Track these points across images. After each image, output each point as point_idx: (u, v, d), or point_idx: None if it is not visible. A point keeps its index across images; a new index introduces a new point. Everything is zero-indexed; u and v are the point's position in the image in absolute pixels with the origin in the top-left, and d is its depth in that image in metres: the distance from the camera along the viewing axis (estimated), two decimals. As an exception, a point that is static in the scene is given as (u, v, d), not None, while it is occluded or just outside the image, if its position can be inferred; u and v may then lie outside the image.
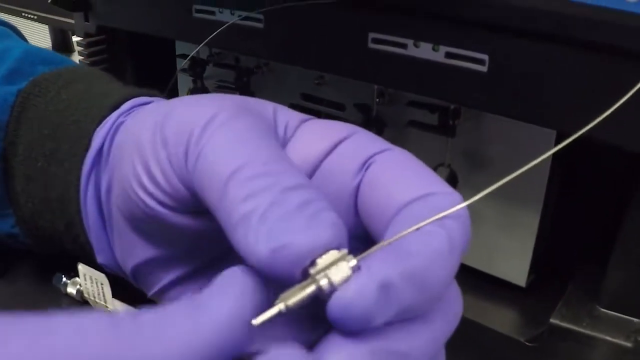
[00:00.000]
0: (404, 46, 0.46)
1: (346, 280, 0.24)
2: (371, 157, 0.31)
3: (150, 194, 0.33)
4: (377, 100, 0.54)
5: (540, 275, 0.54)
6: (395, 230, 0.27)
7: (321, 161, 0.32)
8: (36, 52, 0.48)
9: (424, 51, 0.45)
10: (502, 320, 0.51)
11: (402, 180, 0.30)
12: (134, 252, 0.38)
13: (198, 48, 0.55)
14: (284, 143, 0.33)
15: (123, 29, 0.67)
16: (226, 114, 0.31)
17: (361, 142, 0.32)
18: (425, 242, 0.26)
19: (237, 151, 0.29)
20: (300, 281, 0.25)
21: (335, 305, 0.24)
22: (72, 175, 0.41)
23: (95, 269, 0.45)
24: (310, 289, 0.25)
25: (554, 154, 0.47)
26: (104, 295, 0.46)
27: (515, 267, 0.53)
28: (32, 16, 0.91)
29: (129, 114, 0.41)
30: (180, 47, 0.67)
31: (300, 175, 0.28)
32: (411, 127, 0.51)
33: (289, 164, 0.29)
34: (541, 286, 0.54)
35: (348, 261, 0.25)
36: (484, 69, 0.43)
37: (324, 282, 0.24)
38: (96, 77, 0.47)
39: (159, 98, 0.43)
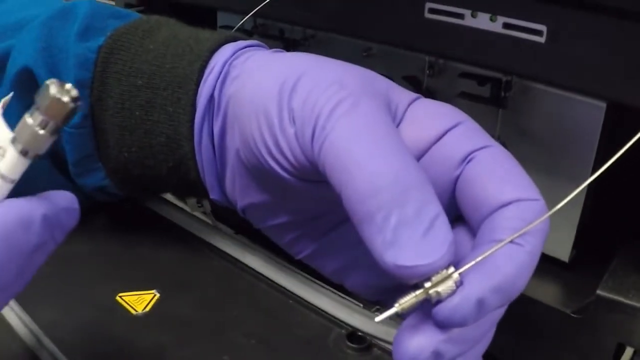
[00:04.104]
0: (461, 16, 0.46)
1: (450, 294, 0.29)
2: (473, 151, 0.34)
3: (277, 162, 0.36)
4: (428, 72, 0.54)
5: (581, 251, 0.54)
6: (487, 237, 0.32)
7: (429, 148, 0.35)
8: (102, 7, 0.50)
9: (482, 21, 0.46)
10: (547, 293, 0.51)
11: (497, 182, 0.33)
12: (246, 194, 0.42)
13: (246, 18, 0.55)
14: (395, 122, 0.35)
15: (165, -2, 0.67)
16: (351, 99, 0.33)
17: (466, 134, 0.35)
18: (512, 258, 0.30)
19: (362, 143, 0.31)
20: (412, 286, 0.30)
21: (440, 312, 0.30)
22: (182, 119, 0.43)
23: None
24: (422, 297, 0.30)
25: (603, 129, 0.48)
26: None
27: (559, 243, 0.53)
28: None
29: (235, 59, 0.43)
30: (223, 18, 0.67)
31: (417, 171, 0.31)
32: (462, 99, 0.52)
33: (409, 157, 0.31)
34: (583, 262, 0.54)
35: (453, 277, 0.29)
36: (541, 39, 0.44)
37: (433, 294, 0.29)
38: (172, 23, 0.48)
39: (257, 42, 0.45)
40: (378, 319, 0.30)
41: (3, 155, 0.30)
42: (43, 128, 0.30)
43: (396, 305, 0.30)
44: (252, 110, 0.37)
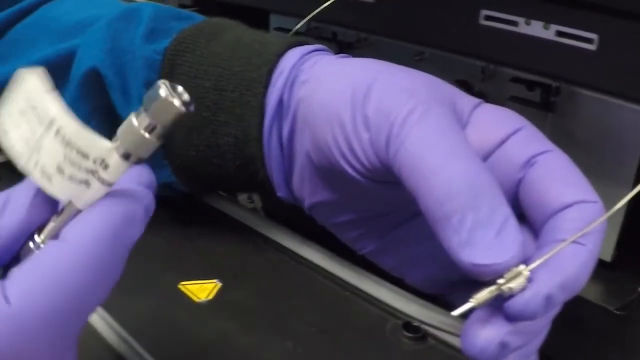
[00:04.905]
0: (515, 24, 0.48)
1: (522, 289, 0.32)
2: (535, 155, 0.36)
3: (350, 164, 0.38)
4: (481, 76, 0.56)
5: (623, 251, 0.56)
6: (551, 236, 0.34)
7: (493, 152, 0.37)
8: (165, 9, 0.51)
9: (535, 29, 0.48)
10: (591, 291, 0.53)
11: (559, 185, 0.35)
12: (315, 192, 0.44)
13: (303, 22, 0.57)
14: (461, 127, 0.37)
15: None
16: (422, 107, 0.35)
17: (528, 138, 0.37)
18: (576, 256, 0.33)
19: (436, 150, 0.34)
20: (484, 283, 0.32)
21: (513, 307, 0.32)
22: (252, 120, 0.45)
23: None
24: (495, 292, 0.32)
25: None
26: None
27: (602, 244, 0.55)
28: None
29: (302, 63, 0.44)
30: (275, 20, 0.69)
31: (488, 175, 0.33)
32: (512, 103, 0.53)
33: (480, 162, 0.34)
34: (625, 262, 0.56)
35: (524, 274, 0.32)
36: (592, 47, 0.46)
37: (506, 290, 0.32)
38: (234, 26, 0.50)
39: (322, 46, 0.47)
40: (455, 313, 0.33)
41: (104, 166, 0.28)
42: (150, 132, 0.28)
43: (472, 300, 0.32)
44: (324, 115, 0.39)
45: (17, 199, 0.30)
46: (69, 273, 0.28)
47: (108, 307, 0.45)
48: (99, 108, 0.50)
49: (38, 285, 0.27)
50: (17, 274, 0.27)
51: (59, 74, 0.51)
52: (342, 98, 0.38)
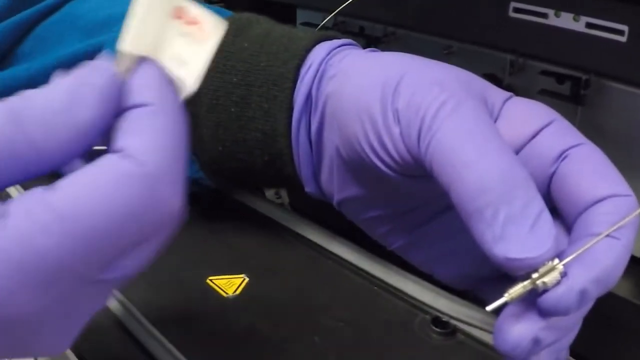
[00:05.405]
0: (545, 16, 0.48)
1: (556, 284, 0.31)
2: (567, 149, 0.35)
3: (381, 159, 0.38)
4: (510, 69, 0.55)
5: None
6: (585, 230, 0.33)
7: (524, 145, 0.36)
8: None
9: (565, 21, 0.47)
10: (620, 286, 0.52)
11: (592, 178, 0.34)
12: (344, 187, 0.43)
13: (330, 16, 0.57)
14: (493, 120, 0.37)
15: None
16: (454, 100, 0.34)
17: (560, 132, 0.36)
18: (610, 251, 0.32)
19: (468, 143, 0.33)
20: (521, 277, 0.32)
21: (546, 301, 0.32)
22: (279, 116, 0.44)
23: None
24: (529, 287, 0.32)
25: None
26: None
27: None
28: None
29: (331, 58, 0.44)
30: (302, 15, 0.69)
31: (521, 169, 0.33)
32: (542, 96, 0.53)
33: (512, 156, 0.33)
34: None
35: (558, 268, 0.31)
36: (623, 39, 0.45)
37: (540, 284, 0.31)
38: (262, 21, 0.50)
39: (350, 40, 0.46)
40: (489, 308, 0.32)
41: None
42: None
43: (506, 295, 0.32)
44: (353, 110, 0.39)
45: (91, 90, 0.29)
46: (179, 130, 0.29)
47: (136, 301, 0.46)
48: None
49: (165, 143, 0.28)
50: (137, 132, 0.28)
51: None
52: (372, 92, 0.38)
